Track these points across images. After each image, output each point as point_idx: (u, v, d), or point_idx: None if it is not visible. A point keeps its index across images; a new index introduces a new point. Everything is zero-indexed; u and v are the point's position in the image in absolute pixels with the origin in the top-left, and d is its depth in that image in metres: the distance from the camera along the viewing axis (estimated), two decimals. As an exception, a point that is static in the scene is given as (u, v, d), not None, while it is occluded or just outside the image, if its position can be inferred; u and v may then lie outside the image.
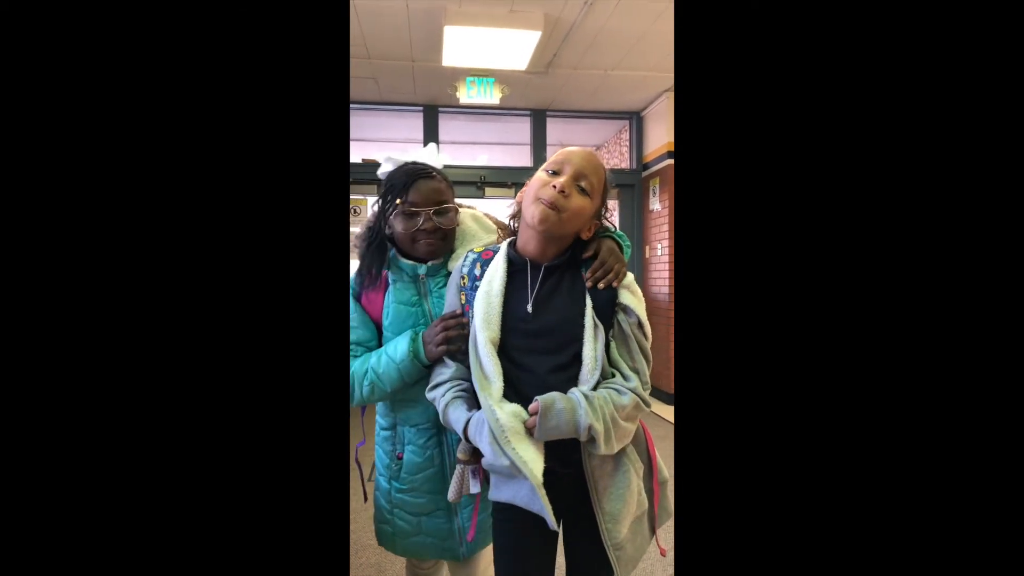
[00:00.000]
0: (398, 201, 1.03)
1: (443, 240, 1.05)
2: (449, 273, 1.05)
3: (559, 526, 0.95)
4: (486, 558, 1.19)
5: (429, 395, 0.97)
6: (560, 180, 0.87)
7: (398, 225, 1.04)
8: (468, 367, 0.94)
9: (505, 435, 0.81)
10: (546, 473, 0.83)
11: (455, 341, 0.94)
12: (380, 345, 1.09)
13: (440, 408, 0.94)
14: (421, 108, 4.37)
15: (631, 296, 0.89)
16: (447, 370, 0.96)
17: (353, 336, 1.07)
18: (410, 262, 1.05)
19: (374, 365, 1.02)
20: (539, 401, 0.82)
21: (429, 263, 1.06)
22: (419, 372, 1.00)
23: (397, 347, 1.00)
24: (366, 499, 1.18)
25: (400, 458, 1.09)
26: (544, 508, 0.83)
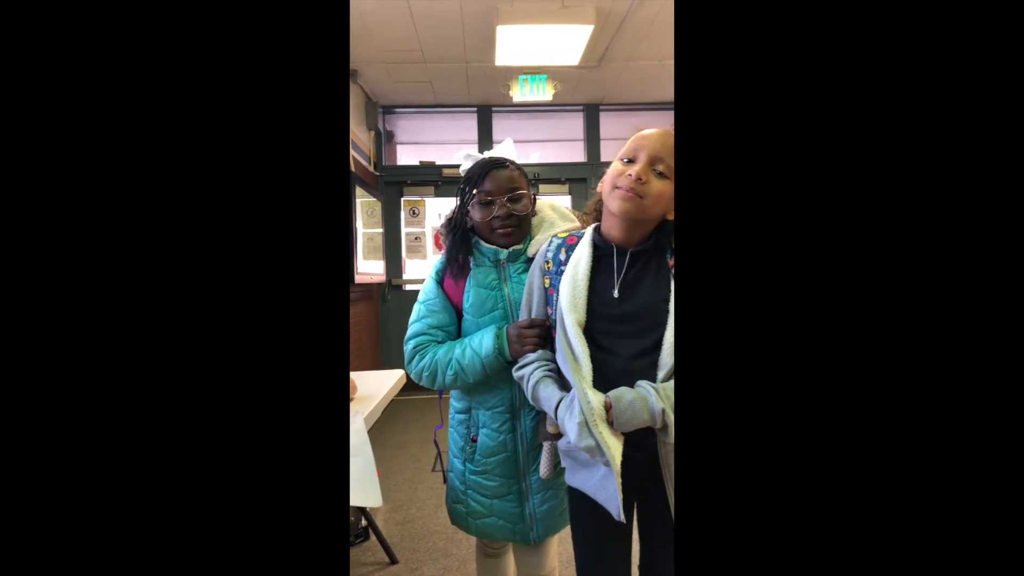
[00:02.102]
0: (474, 192, 1.09)
1: (518, 226, 1.09)
2: (528, 258, 1.09)
3: (633, 508, 0.97)
4: (554, 544, 1.21)
5: (516, 374, 1.00)
6: (635, 168, 0.87)
7: (476, 214, 1.10)
8: (552, 349, 0.97)
9: (595, 418, 0.83)
10: (623, 457, 0.84)
11: (540, 343, 0.98)
12: (459, 328, 1.14)
13: (529, 386, 0.96)
14: (475, 109, 4.45)
15: None
16: (532, 352, 0.98)
17: (434, 320, 1.13)
18: (491, 247, 1.10)
19: (458, 357, 1.06)
20: (609, 397, 0.84)
21: (509, 249, 1.10)
22: (502, 366, 1.04)
23: (482, 342, 1.04)
24: (445, 480, 1.23)
25: (474, 441, 1.12)
26: (615, 496, 0.84)
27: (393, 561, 1.92)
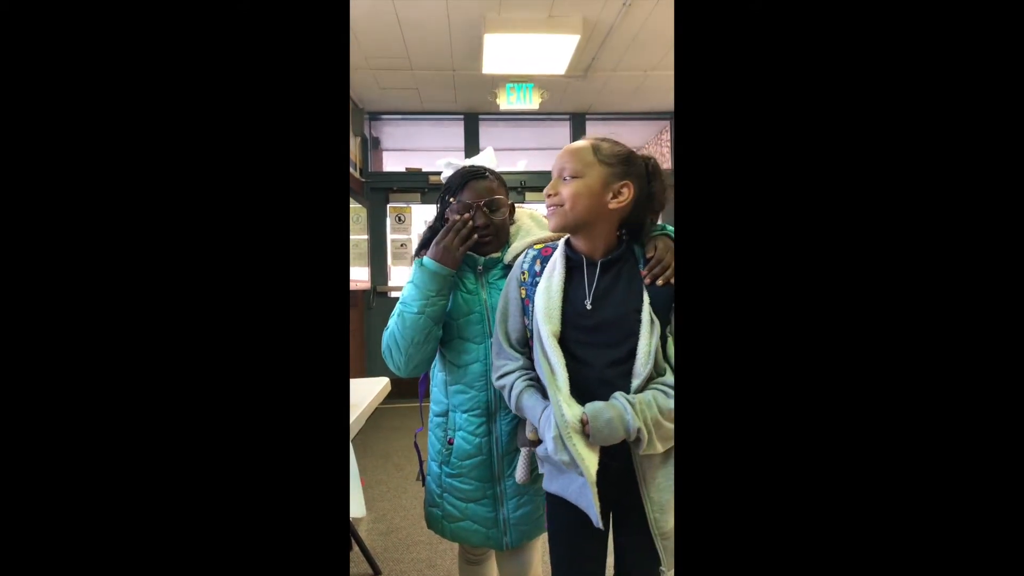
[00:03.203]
0: (452, 199, 1.12)
1: (495, 235, 1.11)
2: (505, 266, 1.11)
3: (609, 516, 0.98)
4: (533, 549, 1.21)
5: (498, 383, 1.01)
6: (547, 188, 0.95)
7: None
8: (531, 359, 0.98)
9: (568, 431, 0.85)
10: (598, 466, 0.86)
11: (459, 240, 1.02)
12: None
13: (512, 395, 0.97)
14: (462, 116, 4.45)
15: None
16: (512, 362, 0.99)
17: None
18: (470, 254, 1.12)
19: (400, 299, 1.10)
20: (587, 413, 0.86)
21: (487, 256, 1.12)
22: (432, 280, 1.05)
23: (411, 273, 1.09)
24: (424, 484, 1.23)
25: (451, 443, 1.13)
26: (592, 505, 0.86)
27: (376, 572, 1.89)
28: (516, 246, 1.11)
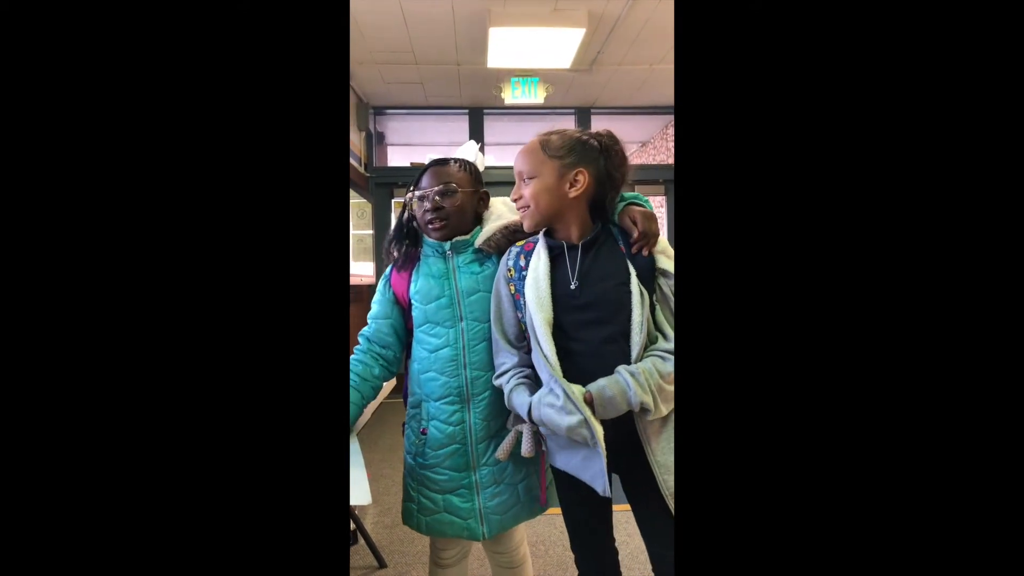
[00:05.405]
0: (412, 188, 1.13)
1: (447, 220, 1.11)
2: (475, 249, 1.12)
3: (611, 486, 1.02)
4: (518, 537, 1.23)
5: (496, 382, 1.04)
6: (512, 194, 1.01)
7: (416, 210, 1.14)
8: (528, 352, 1.01)
9: (577, 397, 0.89)
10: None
11: None
12: (397, 320, 1.19)
13: (506, 392, 1.01)
14: (467, 111, 4.45)
15: (668, 260, 0.96)
16: (509, 360, 1.02)
17: (374, 311, 1.19)
18: (431, 241, 1.14)
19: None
20: (590, 392, 0.89)
21: (454, 239, 1.12)
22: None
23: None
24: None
25: (424, 433, 1.13)
26: (601, 474, 0.90)
27: (382, 565, 1.90)
28: (488, 228, 1.11)
